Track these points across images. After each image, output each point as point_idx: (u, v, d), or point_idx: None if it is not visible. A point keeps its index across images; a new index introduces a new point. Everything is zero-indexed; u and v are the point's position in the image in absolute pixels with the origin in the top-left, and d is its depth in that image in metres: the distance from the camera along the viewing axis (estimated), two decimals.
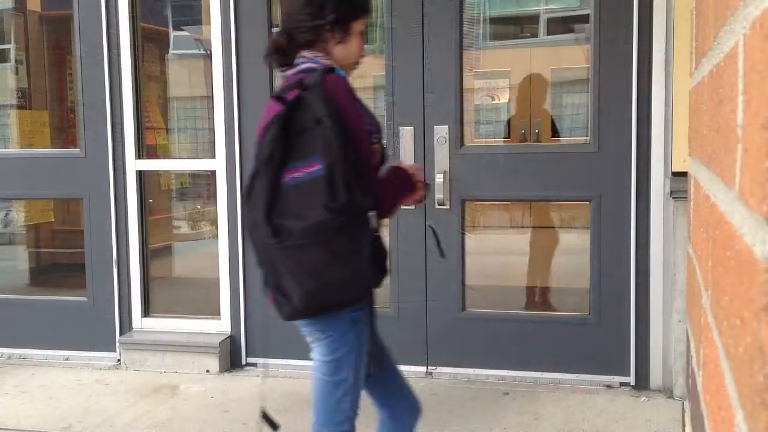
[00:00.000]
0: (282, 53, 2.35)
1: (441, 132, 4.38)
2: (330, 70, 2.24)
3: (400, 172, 2.39)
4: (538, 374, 4.39)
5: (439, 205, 4.38)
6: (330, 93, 2.14)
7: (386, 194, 2.31)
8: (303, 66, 2.30)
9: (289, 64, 2.35)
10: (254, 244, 2.21)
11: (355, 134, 2.14)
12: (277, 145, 2.10)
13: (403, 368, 4.44)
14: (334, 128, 2.07)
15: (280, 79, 2.44)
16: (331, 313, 2.23)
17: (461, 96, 4.40)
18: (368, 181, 2.16)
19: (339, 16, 2.31)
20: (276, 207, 2.10)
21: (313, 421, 2.46)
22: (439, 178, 4.36)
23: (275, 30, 4.73)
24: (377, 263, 2.21)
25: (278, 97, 2.17)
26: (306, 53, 2.32)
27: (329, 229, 2.07)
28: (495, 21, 11.39)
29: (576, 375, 4.34)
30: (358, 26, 2.38)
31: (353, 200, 2.07)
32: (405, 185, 2.40)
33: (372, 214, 2.16)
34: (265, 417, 2.53)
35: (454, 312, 4.44)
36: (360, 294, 2.23)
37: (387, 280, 2.28)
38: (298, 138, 2.11)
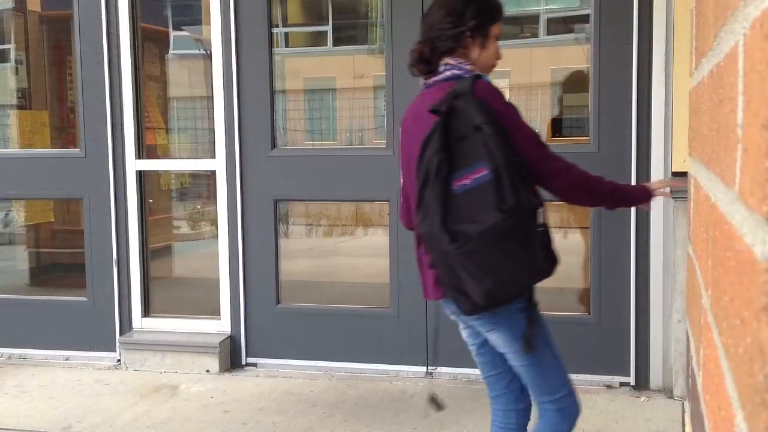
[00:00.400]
0: (425, 62, 2.47)
1: None
2: (477, 77, 2.35)
3: (643, 192, 2.58)
4: None
5: None
6: (483, 99, 2.25)
7: (616, 195, 2.51)
8: (448, 73, 2.43)
9: (432, 72, 2.48)
10: (430, 248, 2.31)
11: (514, 135, 2.25)
12: (443, 156, 2.20)
13: (403, 368, 4.47)
14: (494, 134, 2.18)
15: (421, 87, 2.56)
16: (502, 306, 2.35)
17: None
18: (533, 180, 2.29)
19: (479, 22, 2.45)
20: (450, 214, 2.20)
21: (537, 398, 2.54)
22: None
23: (276, 30, 4.74)
24: (548, 255, 2.30)
25: (434, 111, 2.26)
26: (449, 60, 2.44)
27: (503, 231, 2.17)
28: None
29: (576, 375, 4.31)
30: (495, 30, 2.50)
31: (521, 201, 2.17)
32: (640, 197, 2.58)
33: (540, 210, 2.25)
34: (433, 400, 2.66)
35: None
36: (531, 286, 2.38)
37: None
38: (458, 146, 2.22)
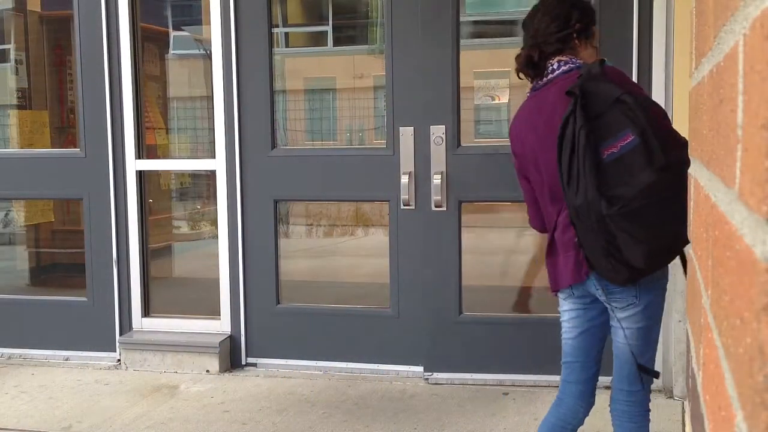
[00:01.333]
0: (534, 66, 2.62)
1: (438, 132, 4.37)
2: (603, 61, 2.49)
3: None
4: (536, 377, 4.38)
5: (435, 206, 4.37)
6: (614, 80, 2.41)
7: None
8: (564, 67, 2.59)
9: (539, 75, 2.63)
10: (585, 220, 2.36)
11: (649, 107, 2.40)
12: (588, 129, 2.31)
13: (403, 368, 4.47)
14: (636, 102, 2.31)
15: (530, 90, 2.72)
16: (651, 278, 2.48)
17: (458, 96, 4.39)
18: (678, 137, 2.39)
19: (583, 25, 2.65)
20: (603, 182, 2.29)
21: (627, 388, 2.67)
22: (436, 179, 4.35)
23: (276, 30, 4.74)
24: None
25: (569, 93, 2.40)
26: (560, 57, 2.61)
27: (660, 189, 2.25)
28: (494, 21, 11.39)
29: None
30: (595, 30, 2.74)
31: (670, 159, 2.25)
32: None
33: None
34: (642, 368, 2.60)
35: (452, 315, 4.43)
36: (683, 249, 2.42)
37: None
38: (598, 121, 2.33)
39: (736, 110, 0.75)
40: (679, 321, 4.02)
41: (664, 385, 4.15)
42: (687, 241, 2.08)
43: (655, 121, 2.32)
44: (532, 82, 2.66)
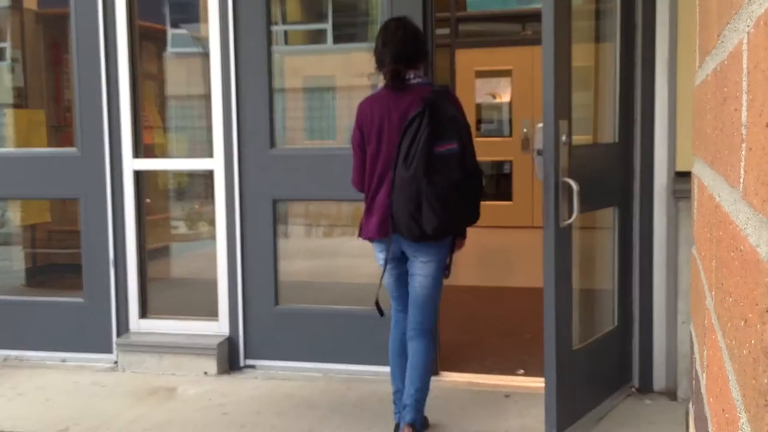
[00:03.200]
0: (396, 73, 3.43)
1: None
2: (448, 87, 3.65)
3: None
4: (539, 379, 4.36)
5: None
6: (455, 102, 3.38)
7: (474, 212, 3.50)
8: (418, 79, 3.46)
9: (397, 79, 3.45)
10: (405, 189, 3.23)
11: (467, 129, 3.35)
12: (431, 129, 3.20)
13: None
14: (462, 123, 3.30)
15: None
16: (441, 240, 3.40)
17: None
18: (475, 155, 3.36)
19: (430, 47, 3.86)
20: (428, 167, 3.19)
21: (419, 321, 3.54)
22: None
23: (274, 28, 4.72)
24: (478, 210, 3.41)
25: (425, 100, 3.26)
26: (414, 71, 3.47)
27: (461, 186, 3.25)
28: (494, 19, 11.38)
29: None
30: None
31: (475, 167, 3.32)
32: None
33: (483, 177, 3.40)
34: (377, 304, 3.52)
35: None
36: (464, 228, 3.56)
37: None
38: (436, 126, 3.21)
39: (740, 109, 0.75)
40: (683, 322, 4.00)
41: (668, 387, 4.12)
42: (462, 228, 3.49)
43: (469, 141, 3.29)
44: (388, 84, 3.46)
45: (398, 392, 3.63)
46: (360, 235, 3.58)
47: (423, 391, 3.52)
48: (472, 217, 3.38)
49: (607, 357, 4.06)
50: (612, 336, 4.11)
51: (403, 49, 3.42)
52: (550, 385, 3.51)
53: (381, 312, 3.51)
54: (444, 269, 3.51)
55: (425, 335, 3.55)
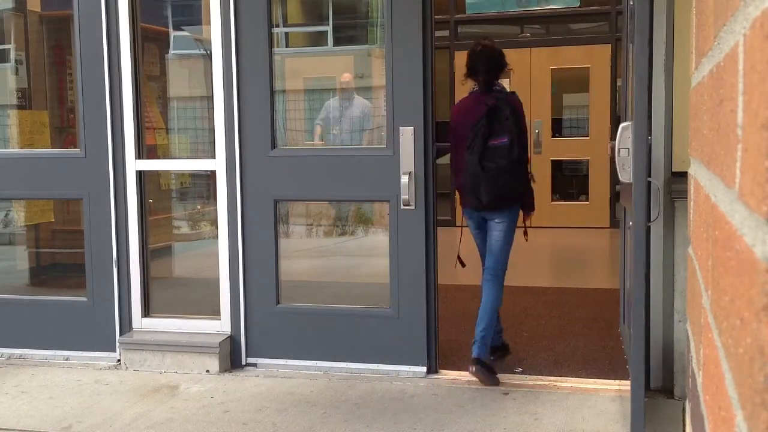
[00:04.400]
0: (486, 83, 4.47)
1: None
2: (513, 92, 4.57)
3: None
4: (537, 377, 4.38)
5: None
6: (514, 104, 4.34)
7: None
8: (498, 88, 4.46)
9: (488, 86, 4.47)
10: (469, 173, 4.29)
11: (523, 125, 4.35)
12: (487, 128, 4.24)
13: (403, 368, 4.47)
14: (515, 122, 4.25)
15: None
16: (507, 209, 4.40)
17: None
18: (527, 148, 4.36)
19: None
20: (482, 156, 4.24)
21: (492, 266, 4.45)
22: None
23: (276, 30, 4.74)
24: (530, 187, 4.51)
25: (489, 104, 4.28)
26: (497, 81, 4.51)
27: (508, 169, 4.24)
28: (493, 21, 11.38)
29: (577, 376, 4.33)
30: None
31: (519, 157, 4.26)
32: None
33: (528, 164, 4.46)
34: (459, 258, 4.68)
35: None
36: (520, 201, 4.50)
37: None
38: (495, 125, 4.24)
39: (736, 110, 0.75)
40: (679, 321, 4.02)
41: (664, 385, 4.15)
42: (521, 201, 4.48)
43: (519, 136, 4.23)
44: (481, 87, 4.46)
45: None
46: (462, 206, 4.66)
47: (488, 330, 4.33)
48: (521, 193, 4.41)
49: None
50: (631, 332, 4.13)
51: (492, 65, 4.42)
52: (638, 389, 3.37)
53: (462, 263, 4.64)
54: (513, 230, 4.45)
55: (497, 280, 4.43)
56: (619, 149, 3.50)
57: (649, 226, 4.12)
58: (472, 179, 4.27)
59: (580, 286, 6.72)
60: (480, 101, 4.34)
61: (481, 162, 4.22)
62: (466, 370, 4.35)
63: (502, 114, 4.22)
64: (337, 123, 5.34)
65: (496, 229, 4.41)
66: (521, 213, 4.51)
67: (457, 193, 4.65)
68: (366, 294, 5.00)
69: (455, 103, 4.80)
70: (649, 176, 3.43)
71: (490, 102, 4.26)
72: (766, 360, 0.57)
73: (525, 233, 4.57)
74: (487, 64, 4.40)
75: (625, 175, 3.46)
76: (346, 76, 5.18)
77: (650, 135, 4.09)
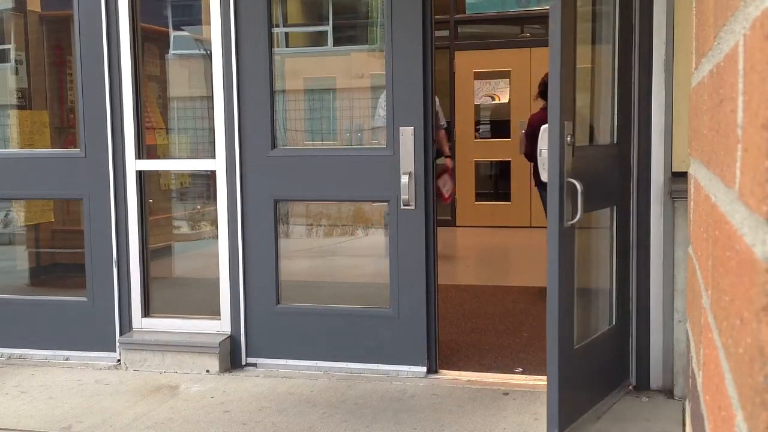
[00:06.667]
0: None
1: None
2: None
3: None
4: (537, 377, 4.39)
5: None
6: None
7: None
8: None
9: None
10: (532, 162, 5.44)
11: None
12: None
13: (403, 368, 4.47)
14: None
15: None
16: None
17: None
18: None
19: None
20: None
21: None
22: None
23: (276, 30, 4.74)
24: None
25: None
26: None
27: None
28: (493, 21, 11.37)
29: None
30: None
31: None
32: None
33: None
34: None
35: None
36: None
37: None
38: None
39: (736, 110, 0.75)
40: (679, 321, 4.02)
41: (665, 386, 4.15)
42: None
43: None
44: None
45: None
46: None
47: None
48: None
49: (605, 356, 4.09)
50: (610, 335, 4.14)
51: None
52: (552, 384, 3.52)
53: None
54: None
55: None
56: (540, 150, 3.62)
57: (650, 228, 4.12)
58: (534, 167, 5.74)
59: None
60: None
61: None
62: (466, 370, 4.35)
63: None
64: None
65: None
66: None
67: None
68: (366, 294, 5.00)
69: (532, 113, 6.33)
70: (570, 177, 3.49)
71: None
72: (766, 360, 0.57)
73: None
74: None
75: (545, 175, 3.52)
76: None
77: (651, 134, 4.10)
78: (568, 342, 3.63)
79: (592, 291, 4.31)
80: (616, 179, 4.13)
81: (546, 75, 5.17)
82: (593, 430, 3.70)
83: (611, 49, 4.11)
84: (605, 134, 4.21)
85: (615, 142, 4.13)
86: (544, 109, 5.47)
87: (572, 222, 3.53)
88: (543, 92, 5.76)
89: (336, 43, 5.41)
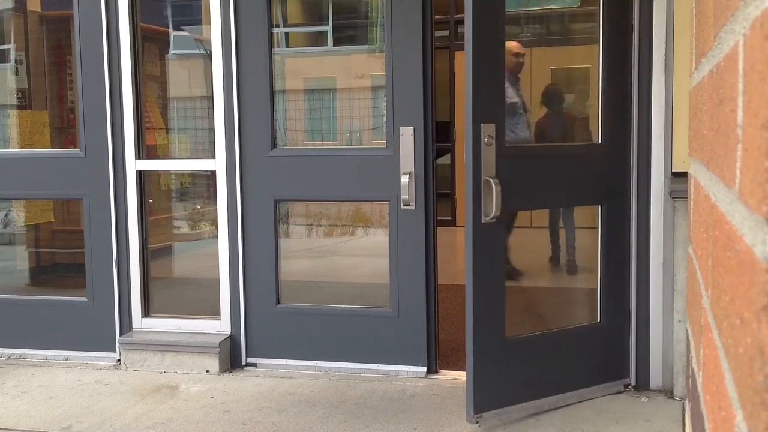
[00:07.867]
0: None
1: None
2: None
3: None
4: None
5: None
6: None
7: None
8: None
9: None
10: None
11: None
12: None
13: (403, 368, 4.47)
14: None
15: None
16: None
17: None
18: None
19: None
20: None
21: None
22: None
23: (276, 30, 4.74)
24: None
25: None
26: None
27: None
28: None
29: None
30: None
31: None
32: None
33: None
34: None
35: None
36: None
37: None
38: None
39: (736, 110, 0.75)
40: (679, 321, 4.02)
41: (665, 386, 4.15)
42: None
43: None
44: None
45: None
46: None
47: None
48: None
49: (580, 350, 4.08)
50: (592, 331, 4.14)
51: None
52: (469, 368, 3.70)
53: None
54: None
55: None
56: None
57: (649, 228, 4.12)
58: None
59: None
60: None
61: None
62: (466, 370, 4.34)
63: None
64: None
65: None
66: None
67: None
68: (366, 294, 5.00)
69: (538, 118, 5.96)
70: (490, 176, 3.64)
71: None
72: (766, 360, 0.57)
73: None
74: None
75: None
76: None
77: (651, 134, 4.10)
78: (497, 330, 3.78)
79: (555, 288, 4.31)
80: (598, 179, 4.13)
81: (549, 85, 5.40)
82: (592, 430, 3.70)
83: (597, 50, 4.13)
84: (589, 134, 4.23)
85: (601, 142, 4.13)
86: (549, 115, 5.64)
87: (488, 219, 3.67)
88: (545, 101, 6.00)
89: (336, 43, 5.41)
